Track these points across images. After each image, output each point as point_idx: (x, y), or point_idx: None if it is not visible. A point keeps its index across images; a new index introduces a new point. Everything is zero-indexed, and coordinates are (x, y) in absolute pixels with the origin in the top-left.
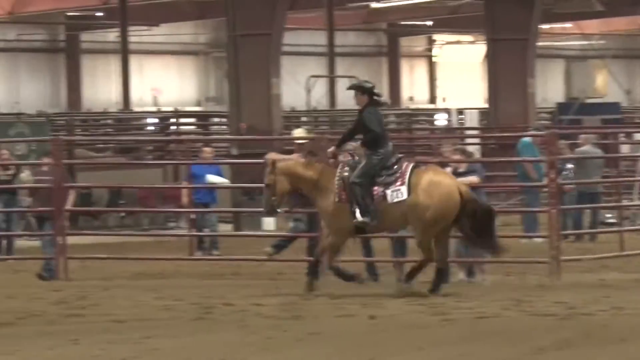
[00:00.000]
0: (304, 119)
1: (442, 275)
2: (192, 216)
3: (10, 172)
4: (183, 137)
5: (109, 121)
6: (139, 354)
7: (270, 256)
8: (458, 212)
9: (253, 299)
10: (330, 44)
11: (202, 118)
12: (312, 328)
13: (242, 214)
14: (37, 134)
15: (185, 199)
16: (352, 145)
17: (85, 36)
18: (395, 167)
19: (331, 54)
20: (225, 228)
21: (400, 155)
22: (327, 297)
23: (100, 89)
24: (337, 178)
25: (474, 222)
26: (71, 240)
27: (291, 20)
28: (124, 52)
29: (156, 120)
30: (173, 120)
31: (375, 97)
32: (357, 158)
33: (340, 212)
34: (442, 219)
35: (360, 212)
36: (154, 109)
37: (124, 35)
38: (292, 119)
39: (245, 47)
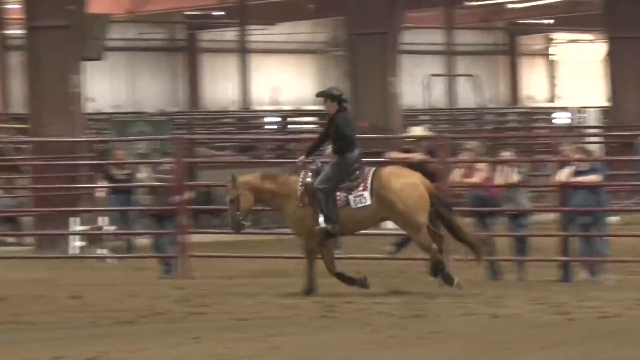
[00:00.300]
0: (423, 117)
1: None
2: None
3: (126, 171)
4: (302, 135)
5: (229, 120)
6: (261, 352)
7: (391, 254)
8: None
9: (375, 297)
10: (449, 42)
11: (322, 116)
12: (434, 327)
13: None
14: (158, 133)
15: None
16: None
17: (204, 35)
18: (357, 172)
19: (450, 53)
20: None
21: (362, 160)
22: (449, 295)
23: (220, 87)
24: (299, 183)
25: (439, 217)
26: (192, 238)
27: (409, 19)
28: (243, 51)
29: (276, 119)
30: (292, 118)
31: (344, 104)
32: (319, 164)
33: (305, 216)
34: (417, 206)
35: (324, 219)
36: (273, 107)
37: (243, 34)
38: (411, 117)
39: (364, 45)
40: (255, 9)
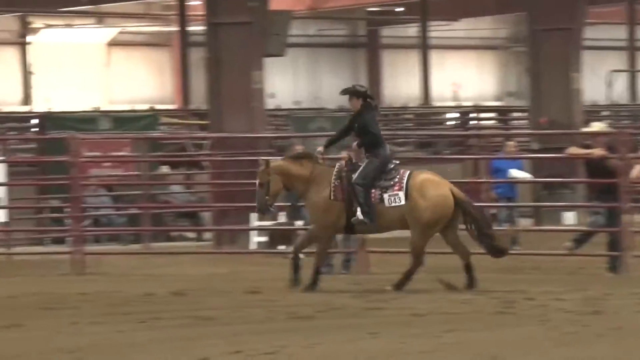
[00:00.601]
0: (604, 113)
1: (471, 269)
2: (492, 211)
3: None
4: (483, 132)
5: (409, 116)
6: (438, 348)
7: (570, 251)
8: (454, 213)
9: (554, 293)
10: (631, 38)
11: (502, 113)
12: (614, 323)
13: (542, 208)
14: (337, 129)
15: (486, 194)
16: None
17: (385, 31)
18: (393, 172)
19: (632, 48)
20: (526, 223)
21: (397, 162)
22: (629, 292)
23: (401, 83)
24: (334, 176)
25: (470, 222)
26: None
27: (591, 15)
28: (424, 47)
29: (456, 115)
30: (473, 115)
31: (369, 101)
32: (354, 160)
33: (332, 209)
34: (439, 220)
35: (362, 213)
36: (453, 103)
37: (424, 31)
38: (593, 113)
39: (546, 41)
40: (437, 5)
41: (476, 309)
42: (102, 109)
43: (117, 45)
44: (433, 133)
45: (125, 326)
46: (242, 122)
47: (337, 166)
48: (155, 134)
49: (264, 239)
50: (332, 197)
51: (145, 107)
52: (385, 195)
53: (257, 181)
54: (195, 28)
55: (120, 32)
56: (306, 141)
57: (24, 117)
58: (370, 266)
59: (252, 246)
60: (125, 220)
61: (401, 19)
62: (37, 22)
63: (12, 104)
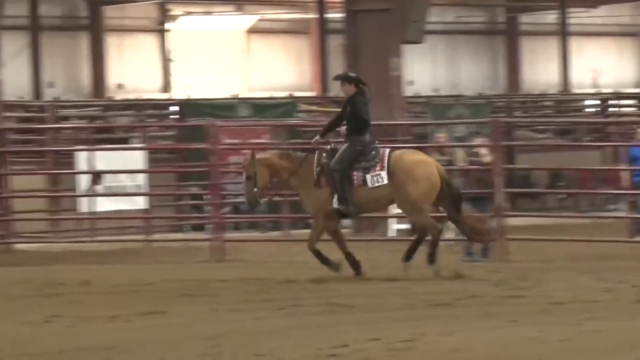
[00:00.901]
0: None
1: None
2: (632, 198)
3: (445, 157)
4: (622, 118)
5: (548, 103)
6: (577, 336)
7: None
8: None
9: None
10: None
11: None
12: None
13: None
14: (476, 116)
15: (624, 182)
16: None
17: (524, 18)
18: (373, 152)
19: None
20: None
21: (376, 142)
22: None
23: (540, 70)
24: (315, 164)
25: (449, 204)
26: (510, 221)
27: None
28: (563, 33)
29: (595, 102)
30: (612, 102)
31: (361, 86)
32: (333, 145)
33: (322, 197)
34: (429, 194)
35: (338, 200)
36: (593, 90)
37: (563, 17)
38: None
39: None
40: None
41: (616, 298)
42: (241, 96)
43: (256, 32)
44: (572, 120)
45: (264, 313)
46: (380, 110)
47: (317, 154)
48: (294, 121)
49: (404, 226)
50: (317, 185)
51: (284, 94)
52: (368, 177)
53: (244, 174)
54: (334, 15)
55: (259, 20)
56: (445, 128)
57: (164, 105)
58: (510, 254)
59: (391, 233)
60: (264, 208)
61: (540, 6)
62: (176, 10)
63: (151, 91)
